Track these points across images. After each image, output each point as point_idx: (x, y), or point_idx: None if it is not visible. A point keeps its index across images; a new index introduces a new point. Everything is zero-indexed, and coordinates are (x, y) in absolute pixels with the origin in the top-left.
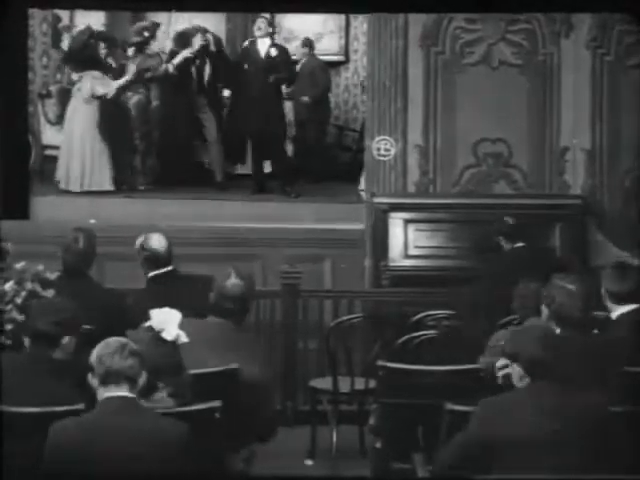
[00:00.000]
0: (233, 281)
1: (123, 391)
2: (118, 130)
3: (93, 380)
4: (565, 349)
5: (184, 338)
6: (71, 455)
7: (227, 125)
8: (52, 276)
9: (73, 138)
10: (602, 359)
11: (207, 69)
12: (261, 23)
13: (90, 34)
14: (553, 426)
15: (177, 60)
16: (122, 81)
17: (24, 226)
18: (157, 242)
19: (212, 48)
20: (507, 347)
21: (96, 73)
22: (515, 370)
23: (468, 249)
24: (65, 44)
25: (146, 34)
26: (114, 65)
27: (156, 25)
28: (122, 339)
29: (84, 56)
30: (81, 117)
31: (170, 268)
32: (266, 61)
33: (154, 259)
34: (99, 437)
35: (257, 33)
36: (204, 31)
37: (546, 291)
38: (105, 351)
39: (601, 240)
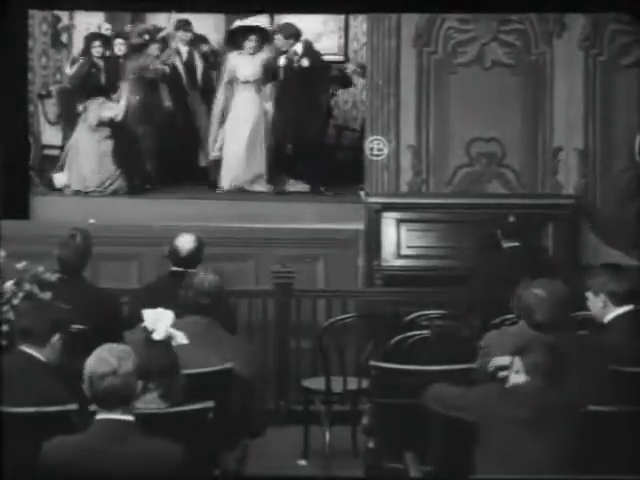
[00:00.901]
0: (207, 277)
1: (117, 413)
2: (131, 153)
3: (87, 391)
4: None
5: (182, 339)
6: (64, 476)
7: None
8: (52, 277)
9: (84, 171)
10: (592, 360)
11: (199, 64)
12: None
13: (91, 64)
14: (524, 415)
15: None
16: (122, 104)
17: (24, 226)
18: (182, 242)
19: (180, 46)
20: (518, 341)
21: (100, 99)
22: (516, 364)
23: (467, 247)
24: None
25: (147, 37)
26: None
27: (158, 30)
28: (115, 356)
29: (87, 86)
30: (89, 149)
31: (189, 270)
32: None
33: (173, 256)
34: (91, 462)
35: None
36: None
37: (516, 295)
38: (98, 370)
39: (594, 240)
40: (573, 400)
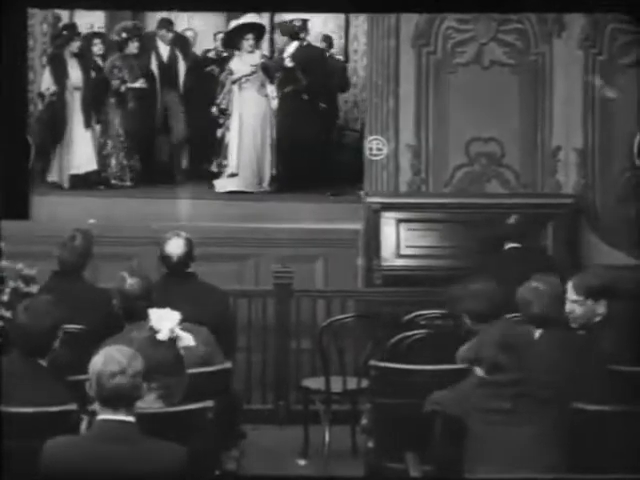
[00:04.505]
0: (130, 281)
1: (121, 414)
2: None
3: (90, 391)
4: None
5: (189, 341)
6: (65, 477)
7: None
8: (32, 272)
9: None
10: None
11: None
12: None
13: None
14: (503, 405)
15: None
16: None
17: (24, 226)
18: (171, 248)
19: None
20: (469, 353)
21: None
22: (478, 371)
23: (468, 247)
24: None
25: (124, 35)
26: None
27: (138, 28)
28: (124, 356)
29: None
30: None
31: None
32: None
33: (165, 261)
34: (93, 463)
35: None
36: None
37: (518, 293)
38: (107, 369)
39: (594, 239)
40: (551, 393)
